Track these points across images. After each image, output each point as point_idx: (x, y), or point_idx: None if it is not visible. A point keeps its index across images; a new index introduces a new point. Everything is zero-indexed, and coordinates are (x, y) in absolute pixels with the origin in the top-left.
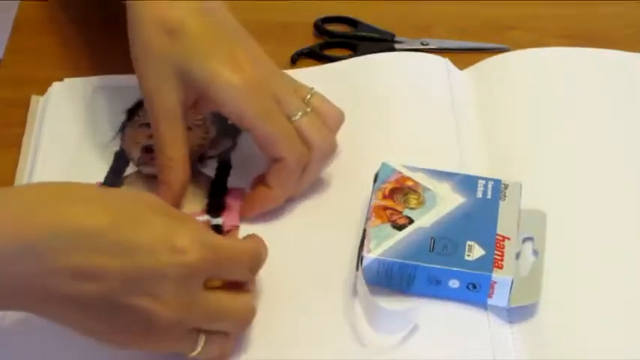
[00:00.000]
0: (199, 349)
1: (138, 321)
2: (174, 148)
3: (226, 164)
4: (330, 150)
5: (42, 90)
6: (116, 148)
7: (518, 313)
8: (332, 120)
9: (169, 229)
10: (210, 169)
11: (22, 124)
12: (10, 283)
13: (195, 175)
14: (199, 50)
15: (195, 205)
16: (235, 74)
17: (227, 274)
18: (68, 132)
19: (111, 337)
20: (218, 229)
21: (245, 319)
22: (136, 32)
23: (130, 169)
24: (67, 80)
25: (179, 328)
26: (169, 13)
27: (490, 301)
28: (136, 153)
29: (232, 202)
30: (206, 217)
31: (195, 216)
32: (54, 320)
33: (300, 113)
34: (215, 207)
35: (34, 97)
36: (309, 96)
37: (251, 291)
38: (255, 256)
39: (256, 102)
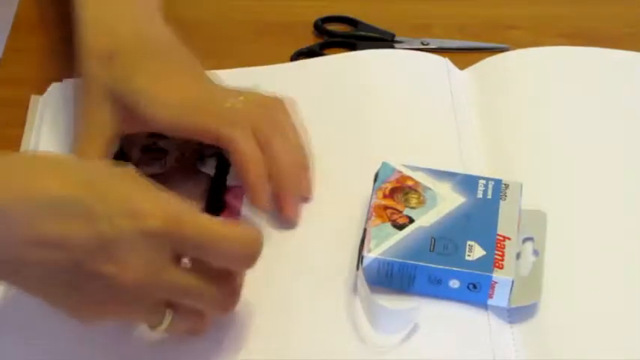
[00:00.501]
0: (166, 324)
1: (103, 288)
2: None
3: (225, 162)
4: (281, 109)
5: (41, 90)
6: (115, 148)
7: (518, 314)
8: (271, 100)
9: (134, 197)
10: (209, 168)
11: (22, 124)
12: None
13: (195, 174)
14: (126, 74)
15: (194, 203)
16: (156, 87)
17: (206, 255)
18: (67, 132)
19: (79, 308)
20: None
21: (220, 305)
22: (79, 60)
23: None
24: (66, 81)
25: (145, 298)
26: (108, 41)
27: (490, 302)
28: (135, 153)
29: (232, 201)
30: None
31: None
32: (26, 291)
33: (231, 100)
34: (214, 206)
35: (33, 97)
36: (242, 97)
37: (236, 282)
38: (246, 244)
39: (179, 104)
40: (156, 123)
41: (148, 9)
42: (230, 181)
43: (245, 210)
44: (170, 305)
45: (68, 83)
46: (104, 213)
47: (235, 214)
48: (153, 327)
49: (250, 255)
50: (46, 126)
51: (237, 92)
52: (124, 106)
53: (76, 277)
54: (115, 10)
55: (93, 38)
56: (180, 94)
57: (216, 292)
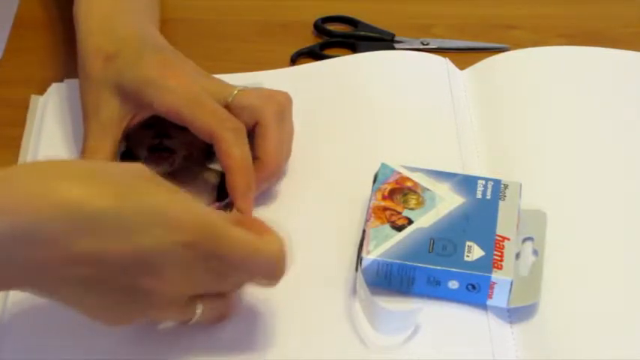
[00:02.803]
0: (197, 316)
1: (141, 299)
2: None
3: None
4: (283, 100)
5: (42, 90)
6: (122, 148)
7: (518, 313)
8: (278, 93)
9: (169, 207)
10: (218, 164)
11: (22, 124)
12: (12, 267)
13: (204, 171)
14: (131, 64)
15: (205, 199)
16: (163, 73)
17: (235, 270)
18: (68, 132)
19: (115, 318)
20: None
21: (254, 272)
22: (80, 63)
23: None
24: (66, 81)
25: (180, 301)
26: (106, 43)
27: (490, 302)
28: (142, 153)
29: None
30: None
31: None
32: (62, 304)
33: (235, 92)
34: (225, 193)
35: (33, 97)
36: (235, 92)
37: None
38: (275, 268)
39: (183, 93)
40: (159, 107)
41: (146, 20)
42: None
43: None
44: (198, 297)
45: (69, 83)
46: (140, 226)
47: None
48: (185, 322)
49: (276, 277)
50: (47, 126)
51: (242, 87)
52: (131, 96)
53: (113, 291)
54: (116, 18)
55: (96, 42)
56: (184, 82)
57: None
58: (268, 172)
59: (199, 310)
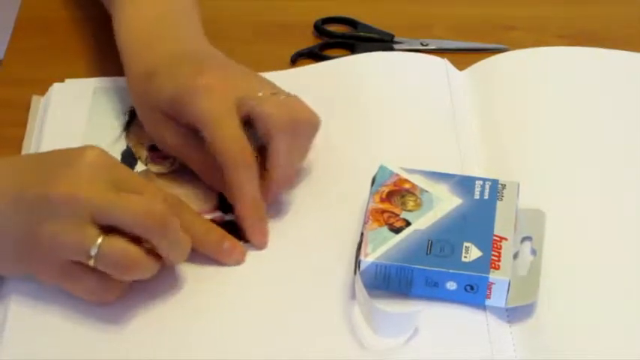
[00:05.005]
0: (97, 245)
1: (39, 209)
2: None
3: None
4: (311, 132)
5: (43, 90)
6: (123, 147)
7: (517, 313)
8: (301, 114)
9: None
10: None
11: (23, 124)
12: None
13: None
14: (169, 78)
15: (207, 203)
16: (198, 80)
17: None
18: (69, 133)
19: (24, 246)
20: (231, 225)
21: (143, 214)
22: (129, 86)
23: (139, 167)
24: (67, 81)
25: (82, 214)
26: (148, 61)
27: (488, 302)
28: (142, 152)
29: None
30: (218, 214)
31: (208, 213)
32: None
33: (260, 93)
34: (227, 203)
35: (34, 97)
36: (282, 97)
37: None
38: (147, 214)
39: (212, 104)
40: (186, 116)
41: (191, 28)
42: None
43: None
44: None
45: (70, 84)
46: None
47: None
48: (86, 251)
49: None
50: (48, 126)
51: (272, 91)
52: (172, 111)
53: (19, 209)
54: (155, 35)
55: (136, 62)
56: (214, 89)
57: (141, 204)
58: (272, 189)
59: (100, 239)
